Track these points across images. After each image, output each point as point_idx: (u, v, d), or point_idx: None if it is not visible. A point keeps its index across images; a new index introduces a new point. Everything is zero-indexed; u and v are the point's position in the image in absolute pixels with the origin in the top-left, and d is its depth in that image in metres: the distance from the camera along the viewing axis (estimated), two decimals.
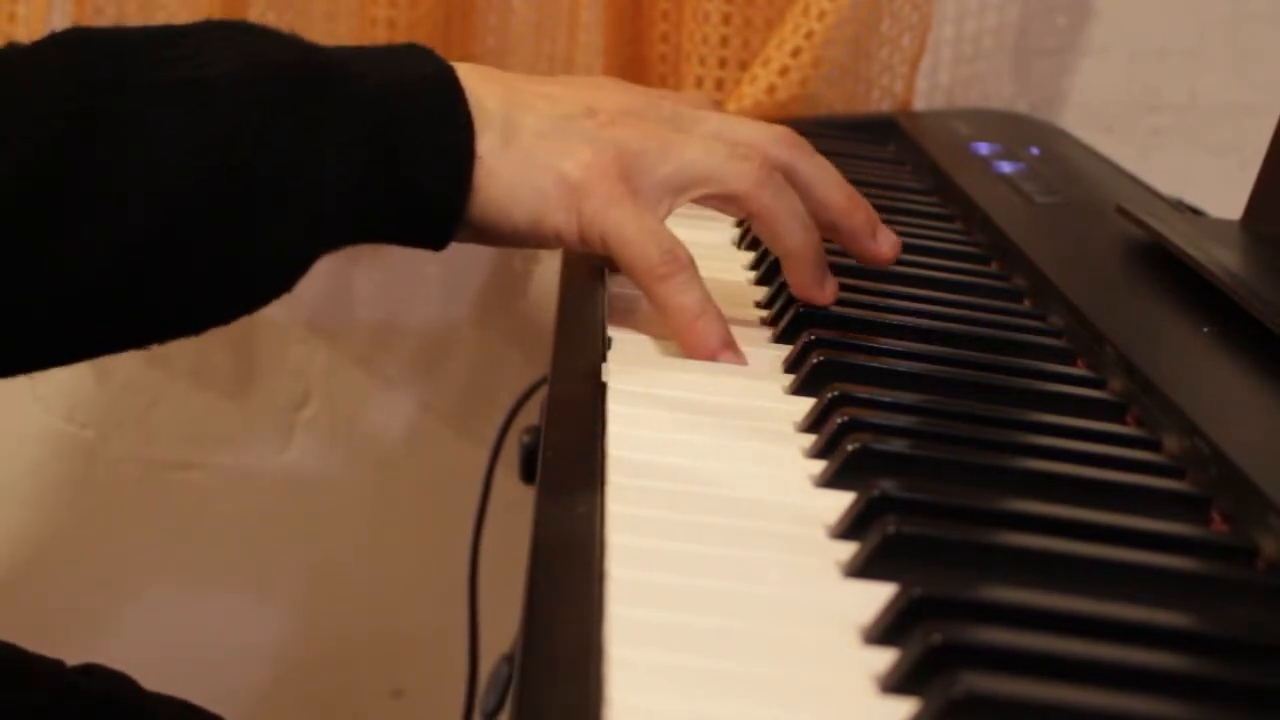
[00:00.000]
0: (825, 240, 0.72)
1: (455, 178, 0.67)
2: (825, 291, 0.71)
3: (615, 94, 0.71)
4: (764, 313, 0.75)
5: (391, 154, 0.66)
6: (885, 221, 0.89)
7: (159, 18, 1.26)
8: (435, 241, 0.69)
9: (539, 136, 0.67)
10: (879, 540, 0.50)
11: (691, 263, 0.67)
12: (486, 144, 0.67)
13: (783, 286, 0.75)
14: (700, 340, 0.66)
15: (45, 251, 0.61)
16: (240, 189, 0.63)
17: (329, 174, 0.64)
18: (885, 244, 0.73)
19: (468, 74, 0.68)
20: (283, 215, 0.64)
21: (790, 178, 0.70)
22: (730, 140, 0.70)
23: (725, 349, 0.67)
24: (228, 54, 0.64)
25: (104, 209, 0.61)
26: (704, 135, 0.70)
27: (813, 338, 0.67)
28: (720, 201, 0.70)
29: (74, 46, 0.64)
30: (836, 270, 0.77)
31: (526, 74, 0.86)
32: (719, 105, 0.94)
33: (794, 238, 0.69)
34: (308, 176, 0.64)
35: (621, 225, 0.66)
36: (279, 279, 0.66)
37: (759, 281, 0.80)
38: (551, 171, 0.67)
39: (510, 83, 0.69)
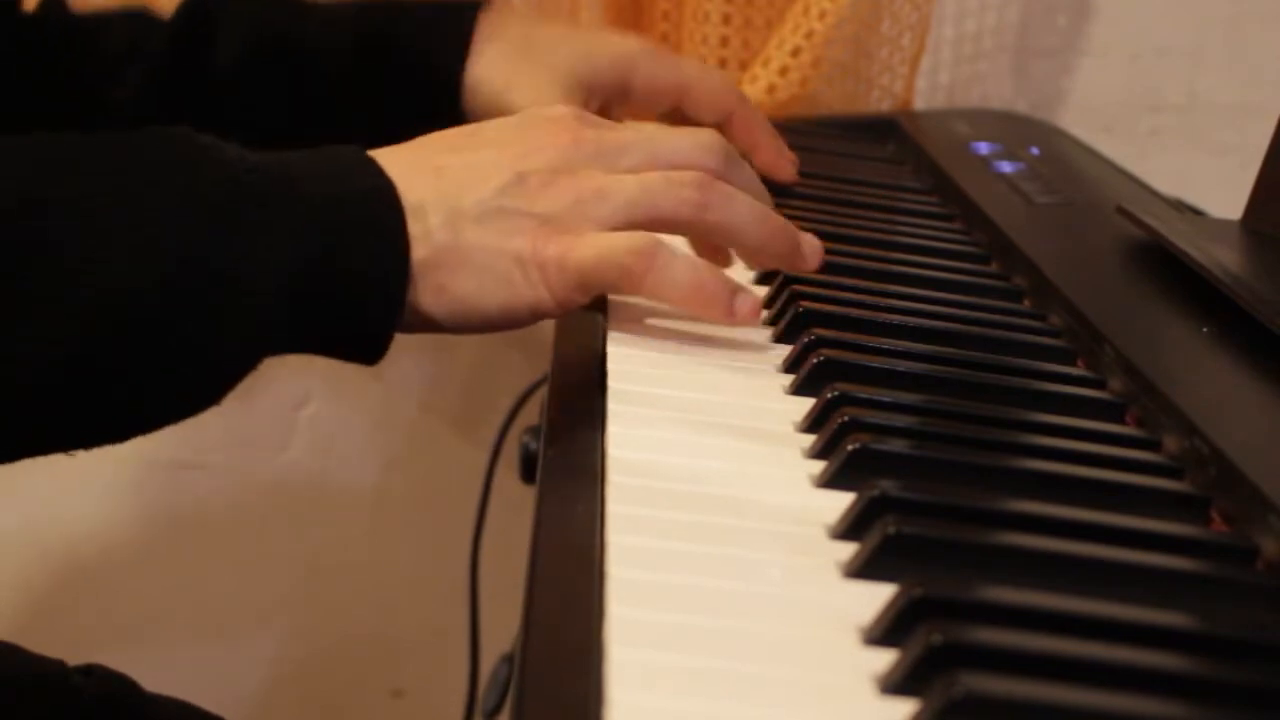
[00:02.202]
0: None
1: (392, 287, 0.66)
2: (808, 259, 0.72)
3: (540, 139, 0.69)
4: (764, 313, 0.75)
5: (330, 263, 0.65)
6: (885, 221, 0.90)
7: None
8: (370, 356, 0.68)
9: (481, 223, 0.67)
10: (879, 540, 0.50)
11: (659, 241, 0.67)
12: (436, 244, 0.66)
13: (783, 286, 0.75)
14: (711, 299, 0.68)
15: None
16: (180, 296, 0.62)
17: (264, 284, 0.63)
18: (812, 257, 0.73)
19: (400, 172, 0.67)
20: (221, 325, 0.63)
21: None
22: (665, 161, 0.70)
23: (734, 294, 0.68)
24: (170, 172, 0.63)
25: (45, 315, 0.60)
26: (636, 165, 0.69)
27: (813, 338, 0.67)
28: (669, 227, 0.69)
29: (11, 154, 0.63)
30: (837, 270, 0.77)
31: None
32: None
33: (751, 236, 0.70)
34: (244, 289, 0.63)
35: (583, 263, 0.66)
36: (214, 387, 0.65)
37: (758, 281, 0.80)
38: (505, 256, 0.67)
39: (439, 162, 0.68)
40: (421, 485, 1.39)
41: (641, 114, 0.95)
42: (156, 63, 0.93)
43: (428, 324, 0.67)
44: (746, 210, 0.69)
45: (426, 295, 0.66)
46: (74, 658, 0.85)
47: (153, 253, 0.61)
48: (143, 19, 0.95)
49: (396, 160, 0.67)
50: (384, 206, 0.66)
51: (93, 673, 0.85)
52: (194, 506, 1.39)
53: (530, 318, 0.68)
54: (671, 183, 0.68)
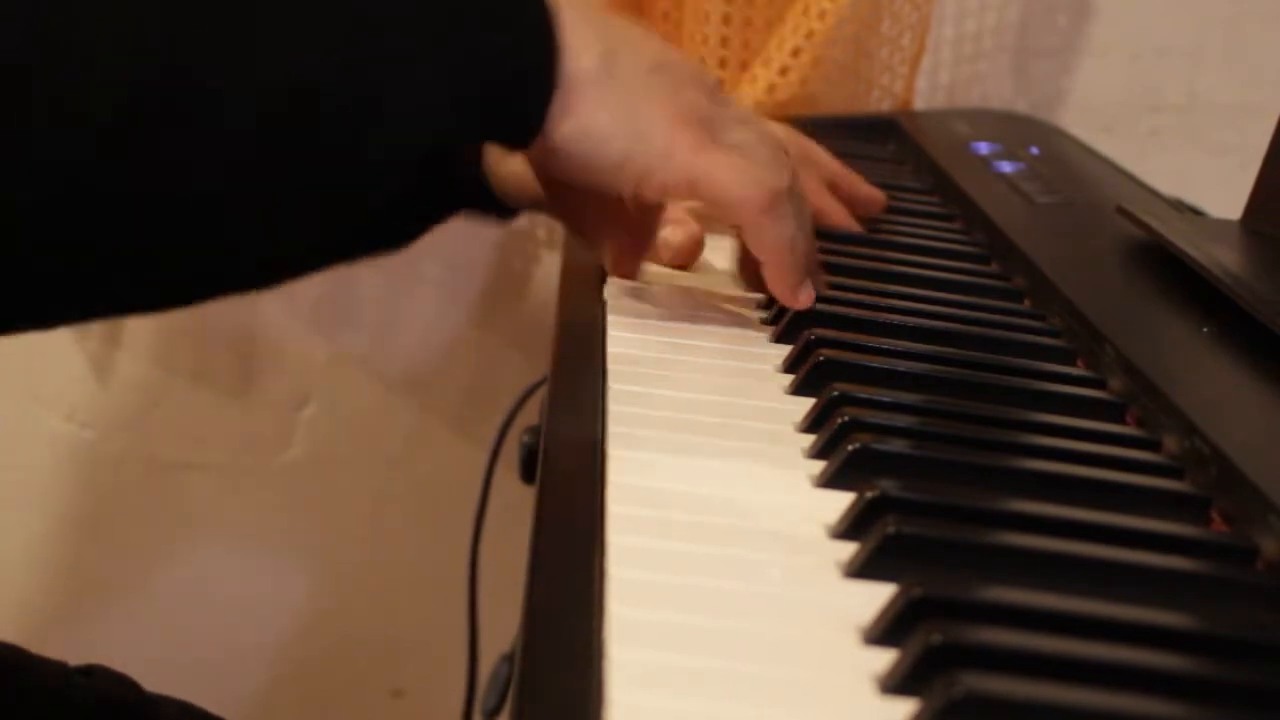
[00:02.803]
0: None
1: (541, 83, 0.65)
2: (799, 300, 0.71)
3: (682, 64, 0.70)
4: (764, 313, 0.75)
5: (488, 63, 0.64)
6: (885, 221, 0.90)
7: None
8: (526, 138, 0.66)
9: (634, 72, 0.66)
10: (879, 540, 0.50)
11: (787, 191, 0.68)
12: (584, 67, 0.65)
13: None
14: (794, 269, 0.69)
15: (154, 158, 0.56)
16: (339, 100, 0.59)
17: (424, 75, 0.62)
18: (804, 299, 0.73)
19: (572, 10, 0.66)
20: (380, 124, 0.60)
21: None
22: (760, 152, 0.70)
23: (802, 287, 0.70)
24: None
25: (205, 117, 0.57)
26: (740, 137, 0.70)
27: (813, 338, 0.67)
28: (728, 206, 0.69)
29: None
30: (834, 269, 0.77)
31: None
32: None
33: (801, 241, 0.70)
34: (406, 79, 0.61)
35: (713, 167, 0.66)
36: (396, 171, 0.63)
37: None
38: (647, 111, 0.66)
39: (614, 25, 0.69)
40: (421, 485, 1.39)
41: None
42: None
43: (541, 144, 0.66)
44: (794, 230, 0.69)
45: (556, 110, 0.65)
46: (74, 658, 0.85)
47: (318, 49, 0.59)
48: None
49: (568, 7, 0.66)
50: (543, 23, 0.65)
51: (93, 673, 0.85)
52: (194, 506, 1.39)
53: (630, 184, 0.67)
54: (780, 157, 0.69)
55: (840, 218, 0.87)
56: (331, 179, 0.61)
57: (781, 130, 0.85)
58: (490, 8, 0.63)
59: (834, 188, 0.88)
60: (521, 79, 0.64)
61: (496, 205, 0.75)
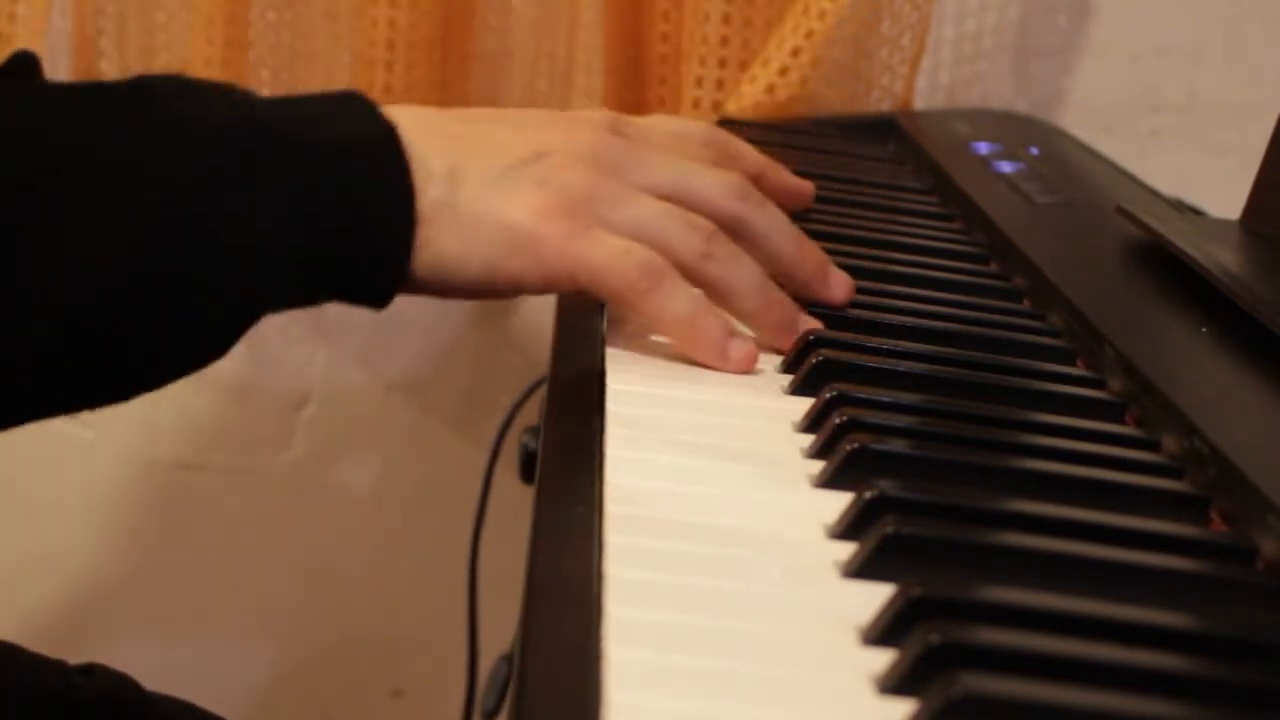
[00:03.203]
0: None
1: (397, 237, 0.64)
2: (790, 340, 0.69)
3: (567, 134, 0.68)
4: None
5: (330, 216, 0.64)
6: (886, 221, 0.89)
7: (158, 18, 1.26)
8: (379, 300, 0.66)
9: (486, 184, 0.65)
10: (878, 540, 0.50)
11: (671, 268, 0.65)
12: (430, 200, 0.64)
13: (782, 286, 0.75)
14: (705, 340, 0.66)
15: None
16: (178, 256, 0.61)
17: (266, 239, 0.63)
18: (837, 287, 0.72)
19: (410, 126, 0.65)
20: (220, 283, 0.63)
21: (741, 230, 0.69)
22: (686, 192, 0.69)
23: (730, 338, 0.66)
24: (163, 118, 0.63)
25: (43, 276, 0.60)
26: (657, 185, 0.68)
27: (812, 337, 0.67)
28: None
29: (6, 106, 0.63)
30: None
31: (487, 105, 0.85)
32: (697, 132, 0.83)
33: (747, 300, 0.68)
34: (244, 242, 0.62)
35: (588, 256, 0.65)
36: (217, 342, 0.65)
37: None
38: (501, 219, 0.65)
39: (454, 129, 0.67)
40: (421, 485, 1.39)
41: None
42: None
43: (410, 280, 0.65)
44: (747, 275, 0.68)
45: (415, 249, 0.64)
46: (74, 658, 0.85)
47: (151, 206, 0.61)
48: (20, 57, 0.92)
49: (403, 112, 0.66)
50: (387, 149, 0.64)
51: (93, 672, 0.85)
52: (194, 506, 1.39)
53: (511, 289, 0.66)
54: (688, 223, 0.67)
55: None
56: (174, 333, 0.64)
57: (700, 128, 0.82)
58: (333, 190, 0.63)
59: (760, 181, 0.81)
60: (371, 252, 0.64)
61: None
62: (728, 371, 0.66)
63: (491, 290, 0.66)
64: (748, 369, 0.66)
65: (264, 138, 0.63)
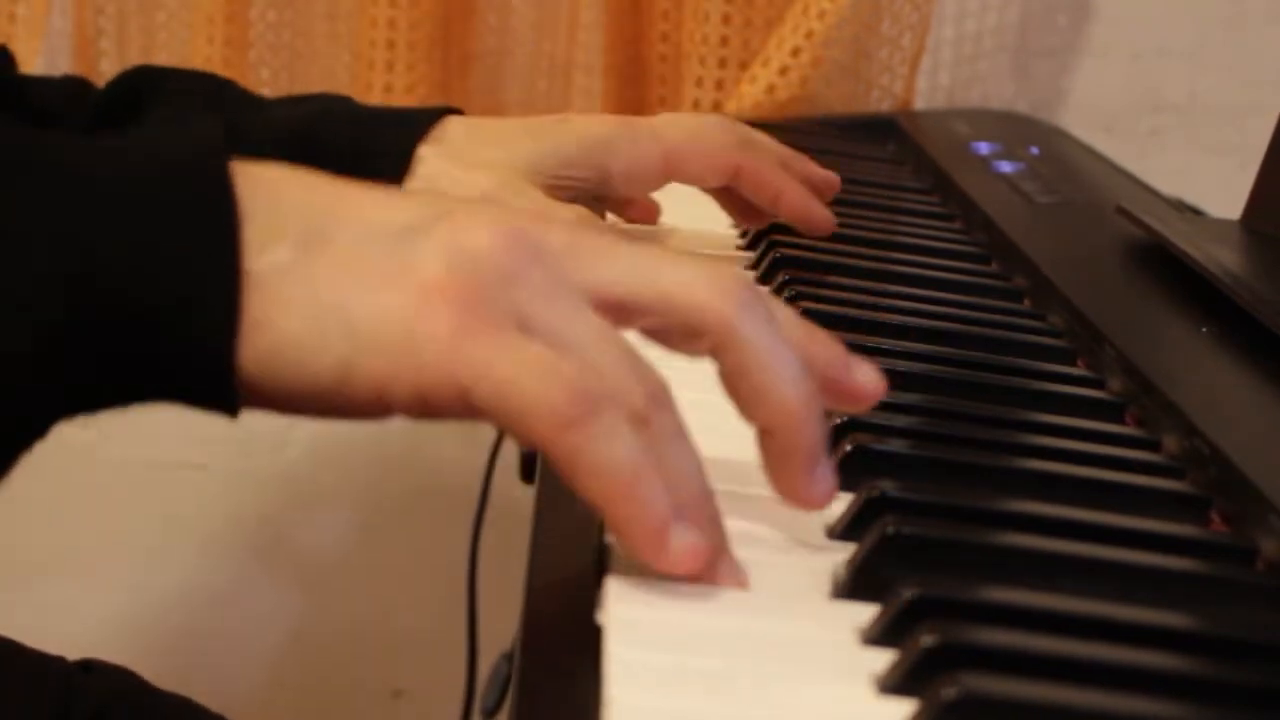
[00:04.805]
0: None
1: (210, 306, 0.44)
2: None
3: (494, 207, 0.49)
4: None
5: (103, 269, 0.43)
6: (885, 221, 0.89)
7: (158, 18, 1.26)
8: (217, 399, 0.46)
9: (357, 249, 0.46)
10: (878, 540, 0.50)
11: (615, 402, 0.45)
12: (270, 261, 0.45)
13: (782, 287, 0.75)
14: (641, 513, 0.45)
15: None
16: None
17: (16, 299, 0.43)
18: (820, 487, 0.50)
19: (277, 176, 0.47)
20: None
21: (726, 352, 0.49)
22: (647, 296, 0.48)
23: (672, 522, 0.46)
24: None
25: None
26: (603, 290, 0.48)
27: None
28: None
29: None
30: (837, 270, 0.77)
31: (482, 116, 0.80)
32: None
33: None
34: None
35: (489, 365, 0.44)
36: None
37: (757, 282, 0.80)
38: (369, 300, 0.45)
39: (340, 186, 0.48)
40: (421, 485, 1.39)
41: (630, 204, 0.86)
42: (86, 129, 0.85)
43: (238, 373, 0.45)
44: (683, 472, 0.47)
45: (235, 334, 0.44)
46: (73, 655, 0.85)
47: None
48: (79, 86, 0.89)
49: (286, 174, 0.47)
50: (206, 182, 0.45)
51: (93, 669, 0.85)
52: (194, 506, 1.39)
53: (375, 406, 0.45)
54: (632, 368, 0.46)
55: (801, 196, 0.81)
56: None
57: (716, 118, 0.79)
58: (116, 229, 0.44)
59: (786, 169, 0.83)
60: (172, 328, 0.44)
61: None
62: (659, 569, 0.46)
63: (347, 402, 0.45)
64: (686, 570, 0.46)
65: (26, 158, 0.45)
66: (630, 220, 0.86)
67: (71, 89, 0.89)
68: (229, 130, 0.74)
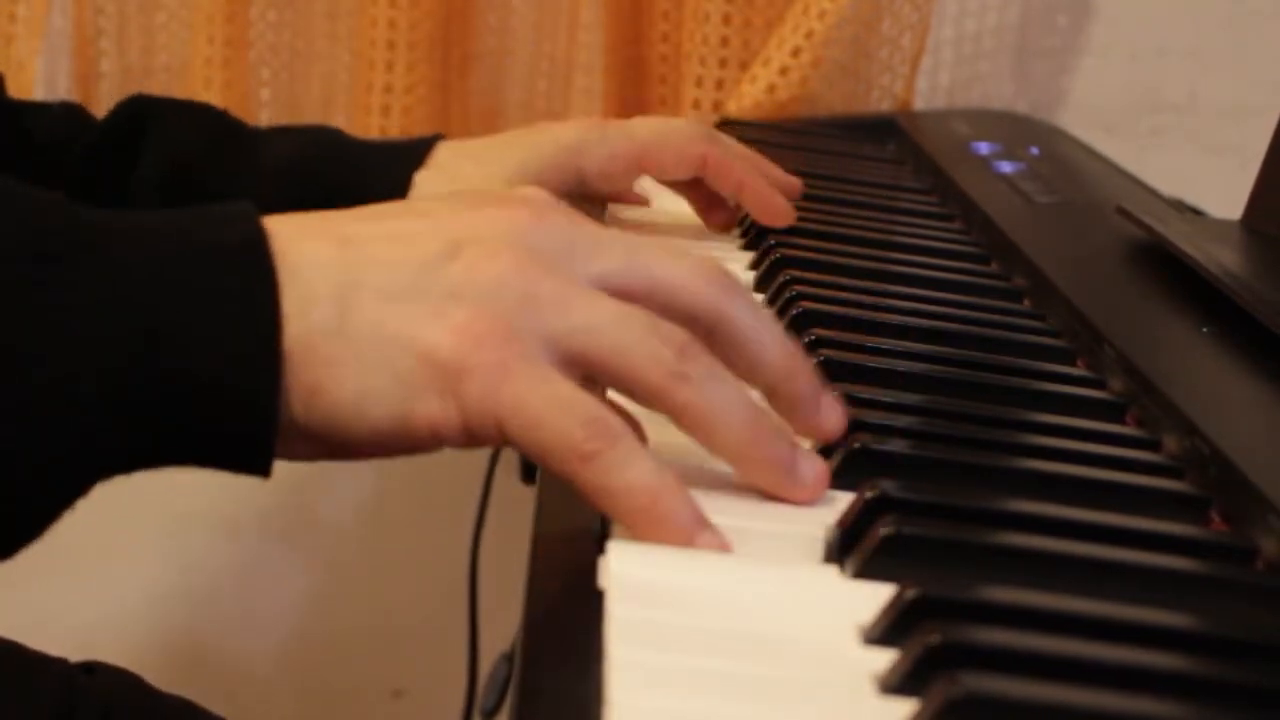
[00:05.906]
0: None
1: (256, 378, 0.49)
2: (802, 489, 0.54)
3: (488, 214, 0.53)
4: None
5: (160, 346, 0.48)
6: (885, 221, 0.89)
7: (158, 18, 1.26)
8: (251, 463, 0.51)
9: (389, 300, 0.50)
10: (878, 540, 0.50)
11: (626, 429, 0.50)
12: (314, 325, 0.49)
13: (782, 288, 0.75)
14: (669, 526, 0.50)
15: None
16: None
17: (74, 365, 0.48)
18: (829, 416, 0.56)
19: (288, 234, 0.51)
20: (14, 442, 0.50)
21: (719, 331, 0.54)
22: (646, 286, 0.53)
23: (699, 527, 0.50)
24: None
25: None
26: (609, 273, 0.53)
27: (813, 338, 0.67)
28: (622, 383, 0.52)
29: None
30: (837, 270, 0.77)
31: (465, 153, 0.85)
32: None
33: (731, 434, 0.52)
34: (46, 379, 0.48)
35: (522, 403, 0.49)
36: (23, 525, 0.53)
37: (758, 283, 0.80)
38: (412, 347, 0.50)
39: (345, 230, 0.52)
40: (421, 485, 1.39)
41: (619, 199, 0.92)
42: (83, 161, 0.88)
43: (296, 440, 0.50)
44: (732, 401, 0.52)
45: (295, 398, 0.49)
46: (74, 656, 0.85)
47: None
48: (77, 114, 0.90)
49: (286, 221, 0.51)
50: (244, 265, 0.49)
51: (95, 670, 0.85)
52: (193, 505, 1.39)
53: (431, 441, 0.51)
54: (654, 331, 0.51)
55: (763, 186, 0.85)
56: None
57: (682, 121, 0.83)
58: (159, 316, 0.49)
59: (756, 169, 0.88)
60: (218, 403, 0.49)
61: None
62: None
63: (410, 444, 0.51)
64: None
65: (79, 244, 0.49)
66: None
67: (69, 117, 0.90)
68: (229, 169, 0.85)
